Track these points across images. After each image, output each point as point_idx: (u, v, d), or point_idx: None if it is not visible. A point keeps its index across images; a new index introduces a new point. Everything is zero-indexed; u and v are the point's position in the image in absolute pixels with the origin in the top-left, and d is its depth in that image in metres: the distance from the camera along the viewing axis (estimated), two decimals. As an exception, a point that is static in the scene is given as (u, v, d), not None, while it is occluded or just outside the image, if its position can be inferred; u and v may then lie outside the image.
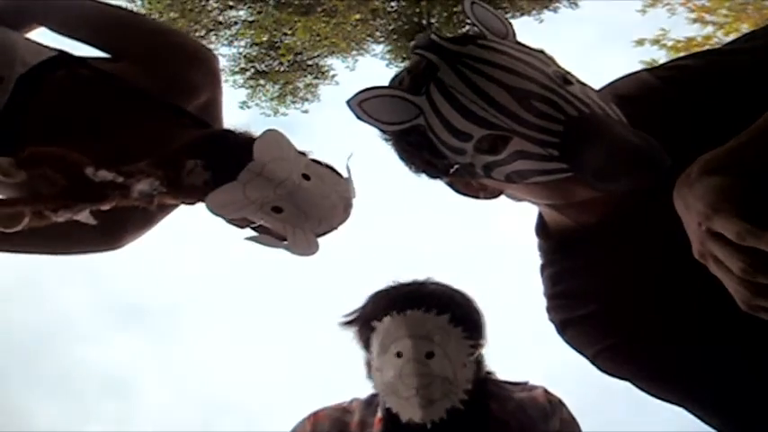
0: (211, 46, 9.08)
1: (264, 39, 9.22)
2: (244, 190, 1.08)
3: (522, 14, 8.95)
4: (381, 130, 0.86)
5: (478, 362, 1.43)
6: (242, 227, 1.19)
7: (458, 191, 0.89)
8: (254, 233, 1.19)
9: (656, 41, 6.46)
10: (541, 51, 0.84)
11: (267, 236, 1.16)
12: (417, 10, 9.20)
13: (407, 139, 0.84)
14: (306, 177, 1.13)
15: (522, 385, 1.50)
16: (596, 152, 0.72)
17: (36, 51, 1.18)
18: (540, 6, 9.06)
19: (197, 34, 8.99)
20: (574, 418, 1.47)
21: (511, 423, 1.39)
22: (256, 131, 1.15)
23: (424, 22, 9.20)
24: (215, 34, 9.26)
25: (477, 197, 0.88)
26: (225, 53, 9.32)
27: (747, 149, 0.59)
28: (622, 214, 0.81)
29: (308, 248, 1.14)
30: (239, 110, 9.26)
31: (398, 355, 1.36)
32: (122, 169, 0.98)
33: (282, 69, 9.44)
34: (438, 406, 1.34)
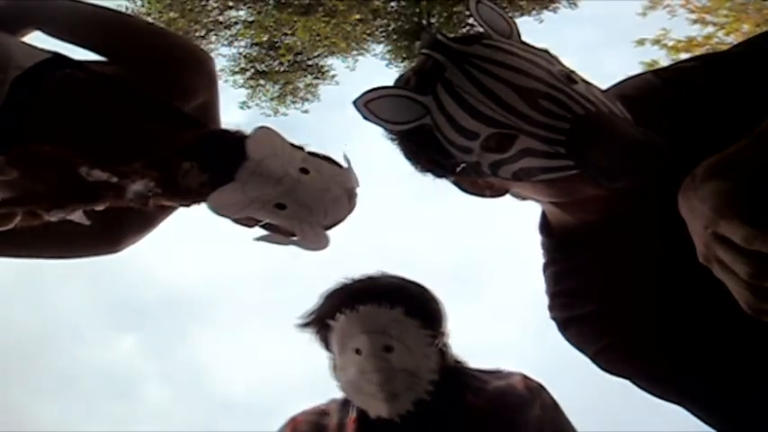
0: (211, 46, 9.09)
1: (264, 39, 9.23)
2: (243, 189, 1.08)
3: (522, 14, 8.97)
4: (388, 130, 0.86)
5: (442, 351, 1.40)
6: (250, 226, 1.18)
7: (464, 189, 0.89)
8: (263, 232, 1.18)
9: (656, 41, 6.46)
10: (546, 50, 0.84)
11: (276, 234, 1.16)
12: (417, 10, 9.20)
13: (414, 138, 0.85)
14: (304, 171, 1.12)
15: (498, 373, 1.46)
16: (602, 149, 0.73)
17: (31, 54, 1.17)
18: (540, 6, 9.08)
19: (197, 34, 8.99)
20: (556, 403, 1.43)
21: (488, 412, 1.36)
22: (250, 131, 1.15)
23: (424, 22, 9.20)
24: (215, 34, 9.27)
25: (483, 195, 0.89)
26: (225, 53, 9.35)
27: (754, 153, 0.58)
28: (624, 214, 0.81)
29: (319, 242, 1.13)
30: (239, 110, 9.28)
31: (357, 351, 1.34)
32: (117, 169, 0.98)
33: (282, 69, 9.44)
34: (403, 399, 1.32)
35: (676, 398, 0.83)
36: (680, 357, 0.80)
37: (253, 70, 9.45)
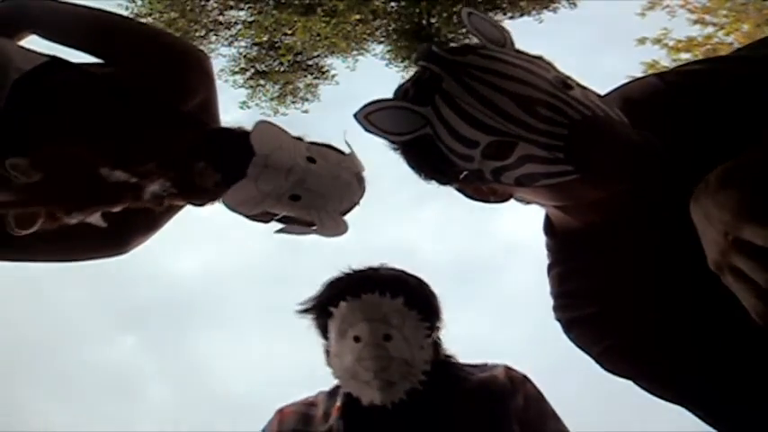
0: (211, 46, 9.10)
1: (264, 39, 9.23)
2: (256, 184, 1.09)
3: (522, 15, 8.97)
4: (390, 141, 0.87)
5: (436, 344, 1.44)
6: (266, 221, 1.19)
7: (468, 196, 0.90)
8: (280, 225, 1.19)
9: (657, 41, 6.47)
10: (540, 57, 0.85)
11: (295, 225, 1.16)
12: (417, 10, 9.20)
13: (416, 148, 0.86)
14: (311, 160, 1.14)
15: (483, 366, 1.49)
16: (600, 152, 0.74)
17: (29, 58, 1.17)
18: (540, 6, 9.08)
19: (197, 34, 8.99)
20: (540, 394, 1.45)
21: (472, 403, 1.38)
22: (249, 127, 1.15)
23: (424, 22, 9.20)
24: (215, 34, 9.27)
25: (487, 201, 0.90)
26: (225, 53, 9.35)
27: None
28: (624, 216, 0.82)
29: (338, 228, 1.15)
30: (239, 110, 9.28)
31: (356, 339, 1.36)
32: (136, 170, 0.98)
33: (282, 69, 9.45)
34: (397, 388, 1.35)
35: (677, 398, 0.84)
36: (680, 358, 0.80)
37: (253, 70, 9.46)
